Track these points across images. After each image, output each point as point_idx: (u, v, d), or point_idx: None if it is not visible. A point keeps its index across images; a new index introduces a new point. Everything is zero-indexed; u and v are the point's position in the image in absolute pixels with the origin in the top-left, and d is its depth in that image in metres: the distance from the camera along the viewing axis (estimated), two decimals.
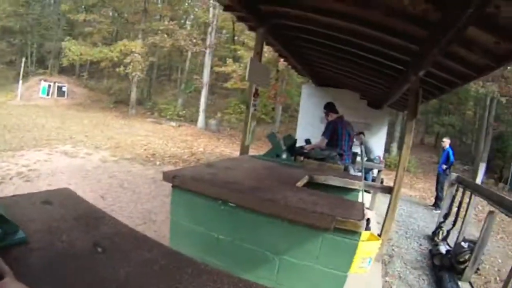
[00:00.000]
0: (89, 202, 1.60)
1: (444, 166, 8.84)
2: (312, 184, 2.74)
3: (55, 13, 28.09)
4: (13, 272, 0.92)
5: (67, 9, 24.16)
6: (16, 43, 27.92)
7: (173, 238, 2.44)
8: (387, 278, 4.24)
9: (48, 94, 22.97)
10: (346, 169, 4.20)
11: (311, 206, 1.87)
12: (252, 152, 4.58)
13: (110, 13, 25.25)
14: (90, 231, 1.28)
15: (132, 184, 6.81)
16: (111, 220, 1.40)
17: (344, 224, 1.73)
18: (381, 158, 9.98)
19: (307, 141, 5.10)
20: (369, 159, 8.28)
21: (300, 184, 2.48)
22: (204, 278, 1.02)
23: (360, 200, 3.04)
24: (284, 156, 3.24)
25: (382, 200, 6.34)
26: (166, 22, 21.27)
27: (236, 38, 24.95)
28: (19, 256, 1.05)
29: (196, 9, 24.44)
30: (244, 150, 4.73)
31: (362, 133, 9.11)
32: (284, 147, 3.30)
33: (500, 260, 5.73)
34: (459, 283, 4.15)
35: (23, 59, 24.19)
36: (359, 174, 6.97)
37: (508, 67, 16.28)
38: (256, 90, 4.74)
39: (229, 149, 13.78)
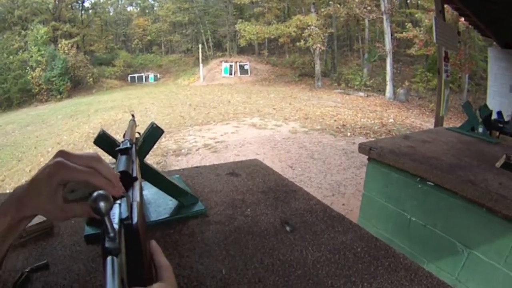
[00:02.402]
0: (280, 174, 1.51)
1: None
2: (508, 166, 2.33)
3: (221, 1, 29.49)
4: (187, 246, 0.93)
5: None
6: (189, 33, 31.42)
7: (363, 213, 2.42)
8: None
9: (230, 73, 23.43)
10: None
11: None
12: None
13: None
14: (279, 206, 1.19)
15: (322, 155, 6.61)
16: (304, 195, 1.29)
17: None
18: None
19: (499, 114, 4.40)
20: None
21: (498, 164, 2.15)
22: (401, 275, 0.85)
23: None
24: (480, 129, 2.84)
25: None
26: None
27: (409, 0, 22.37)
28: (195, 228, 1.04)
29: None
30: (438, 121, 4.37)
31: None
32: (480, 119, 2.91)
33: None
34: None
35: (200, 46, 26.12)
36: None
37: None
38: (446, 53, 4.31)
39: (419, 120, 12.64)
